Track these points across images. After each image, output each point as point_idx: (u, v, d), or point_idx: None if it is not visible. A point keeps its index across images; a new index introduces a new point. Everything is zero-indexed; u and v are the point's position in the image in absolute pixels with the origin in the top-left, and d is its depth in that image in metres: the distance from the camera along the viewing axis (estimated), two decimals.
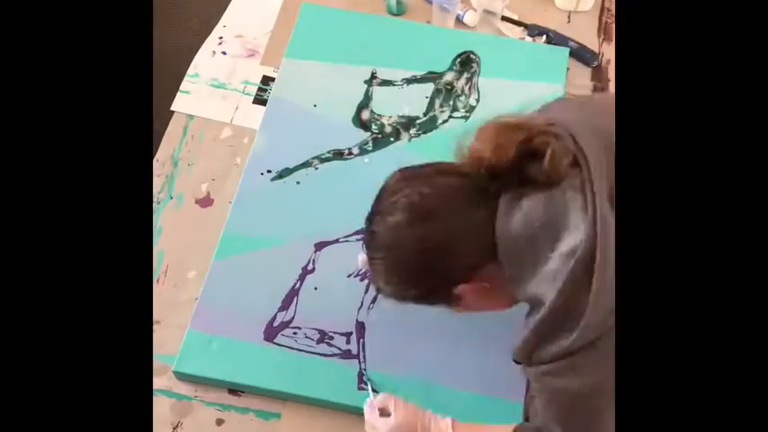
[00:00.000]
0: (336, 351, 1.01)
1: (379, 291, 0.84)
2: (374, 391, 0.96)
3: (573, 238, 0.68)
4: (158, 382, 1.01)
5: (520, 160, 0.72)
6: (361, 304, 1.04)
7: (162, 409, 0.99)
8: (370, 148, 1.17)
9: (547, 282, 0.70)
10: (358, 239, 1.09)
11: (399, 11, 1.33)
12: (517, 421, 0.85)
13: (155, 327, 1.04)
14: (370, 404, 0.91)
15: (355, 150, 1.17)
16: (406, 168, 0.80)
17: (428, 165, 0.80)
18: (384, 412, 0.89)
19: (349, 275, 1.06)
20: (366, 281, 1.06)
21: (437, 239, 0.74)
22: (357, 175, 1.14)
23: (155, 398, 0.99)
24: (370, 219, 0.80)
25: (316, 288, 1.05)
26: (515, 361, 0.77)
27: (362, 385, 0.98)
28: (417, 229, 0.75)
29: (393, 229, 0.76)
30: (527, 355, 0.74)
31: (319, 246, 1.09)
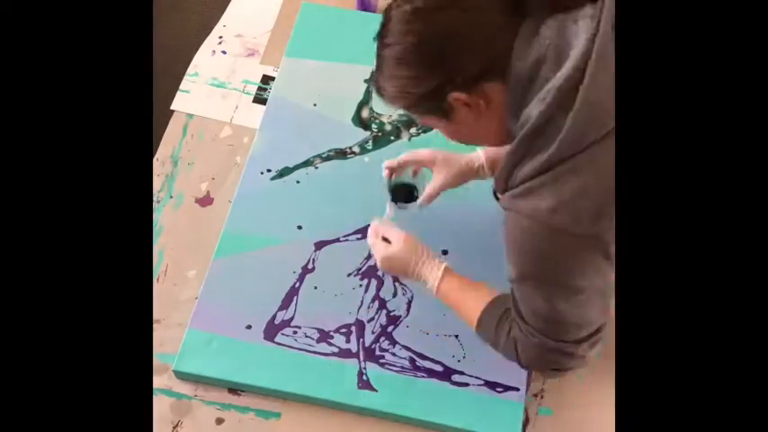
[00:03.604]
0: (336, 350, 1.01)
1: (380, 92, 0.82)
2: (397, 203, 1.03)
3: (571, 60, 0.69)
4: (158, 381, 1.01)
5: None
6: (361, 303, 1.04)
7: (162, 408, 0.99)
8: (370, 147, 1.17)
9: (539, 101, 0.70)
10: (358, 239, 1.09)
11: None
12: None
13: (154, 326, 1.04)
14: (375, 229, 0.95)
15: (356, 149, 1.17)
16: None
17: None
18: (386, 239, 0.94)
19: (349, 275, 1.06)
20: (366, 280, 1.06)
21: (451, 28, 0.73)
22: (357, 175, 1.14)
23: (155, 397, 0.99)
24: (388, 7, 0.79)
25: (316, 287, 1.05)
26: (495, 194, 0.78)
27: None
28: (434, 15, 0.74)
29: (410, 13, 0.75)
30: (505, 178, 0.75)
31: (319, 245, 1.09)
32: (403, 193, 1.04)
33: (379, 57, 0.79)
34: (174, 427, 0.98)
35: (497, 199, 0.78)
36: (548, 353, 0.79)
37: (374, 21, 0.76)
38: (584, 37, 0.69)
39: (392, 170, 1.02)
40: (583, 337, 0.78)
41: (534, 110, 0.71)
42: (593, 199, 0.69)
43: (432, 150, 1.01)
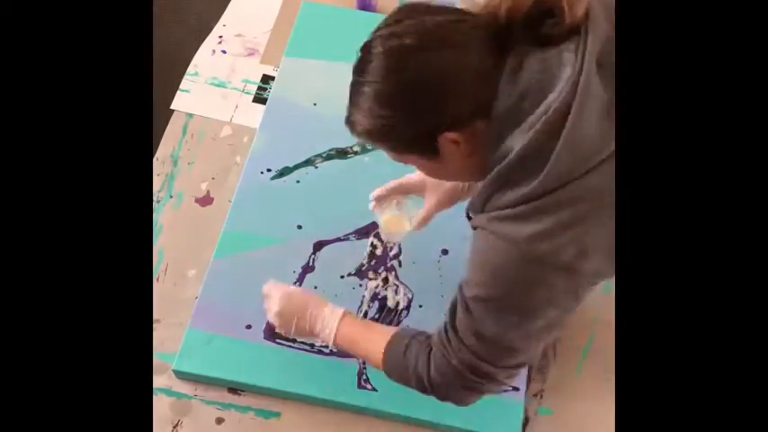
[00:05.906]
0: (336, 350, 1.01)
1: (352, 127, 0.76)
2: None
3: (556, 93, 0.67)
4: (158, 380, 1.01)
5: (535, 15, 0.69)
6: (361, 303, 1.04)
7: (162, 407, 0.99)
8: (370, 147, 1.17)
9: (522, 133, 0.68)
10: (358, 238, 1.09)
11: None
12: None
13: (154, 325, 1.04)
14: (264, 290, 0.94)
15: (356, 149, 1.17)
16: (415, 2, 0.73)
17: (441, 6, 0.73)
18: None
19: (349, 274, 1.06)
20: (366, 279, 1.06)
21: (442, 70, 0.69)
22: (357, 174, 1.14)
23: (154, 397, 0.99)
24: (369, 42, 0.73)
25: (315, 287, 1.05)
26: (468, 215, 0.76)
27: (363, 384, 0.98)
28: (425, 55, 0.70)
29: (397, 51, 0.70)
30: (483, 202, 0.72)
31: (319, 245, 1.09)
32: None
33: (357, 92, 0.74)
34: (174, 427, 0.98)
35: (469, 218, 0.76)
36: (470, 373, 0.76)
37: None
38: (568, 71, 0.67)
39: (379, 200, 1.01)
40: (511, 365, 0.76)
41: (517, 142, 0.69)
42: (575, 234, 0.68)
43: (418, 175, 0.97)
